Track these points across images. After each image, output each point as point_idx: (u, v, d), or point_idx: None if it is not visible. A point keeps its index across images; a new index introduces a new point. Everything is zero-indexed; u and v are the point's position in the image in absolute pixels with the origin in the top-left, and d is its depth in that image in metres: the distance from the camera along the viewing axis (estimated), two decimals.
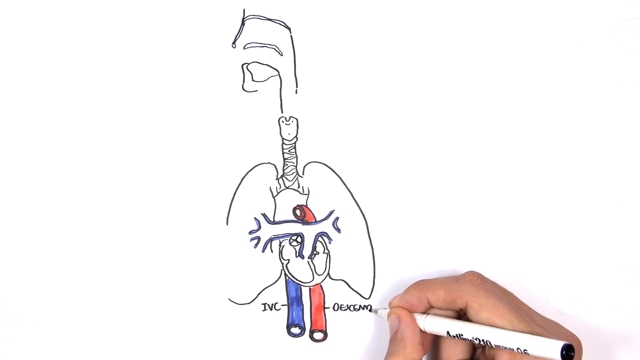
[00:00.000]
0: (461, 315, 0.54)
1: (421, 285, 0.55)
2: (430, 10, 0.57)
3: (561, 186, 0.59)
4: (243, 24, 0.57)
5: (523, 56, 0.57)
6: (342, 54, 0.57)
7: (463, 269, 0.58)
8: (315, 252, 0.59)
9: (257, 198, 0.58)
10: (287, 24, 0.57)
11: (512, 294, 0.55)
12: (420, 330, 0.54)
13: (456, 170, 0.58)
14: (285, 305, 0.59)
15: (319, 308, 0.59)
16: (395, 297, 0.56)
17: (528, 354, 0.48)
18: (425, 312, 0.54)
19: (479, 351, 0.54)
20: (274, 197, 0.58)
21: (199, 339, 0.59)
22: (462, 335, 0.51)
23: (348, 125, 0.58)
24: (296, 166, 0.58)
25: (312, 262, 0.59)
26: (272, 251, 0.59)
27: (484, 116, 0.58)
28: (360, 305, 0.59)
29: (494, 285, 0.53)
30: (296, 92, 0.58)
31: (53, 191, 0.58)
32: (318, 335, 0.59)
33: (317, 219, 0.59)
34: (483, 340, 0.50)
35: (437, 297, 0.53)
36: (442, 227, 0.58)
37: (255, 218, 0.58)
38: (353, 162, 0.58)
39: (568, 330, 0.53)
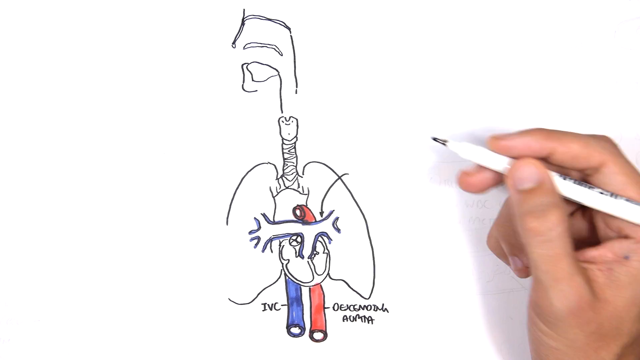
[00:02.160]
0: (578, 181, 0.47)
1: (548, 132, 0.45)
2: (430, 10, 0.57)
3: None
4: (243, 24, 0.57)
5: (523, 56, 0.57)
6: (342, 54, 0.57)
7: (463, 269, 0.58)
8: (315, 252, 0.59)
9: (257, 198, 0.58)
10: (287, 24, 0.57)
11: None
12: None
13: (456, 170, 0.58)
14: (285, 305, 0.59)
15: (319, 308, 0.59)
16: (505, 134, 0.46)
17: None
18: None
19: (583, 224, 0.48)
20: (274, 197, 0.59)
21: (199, 339, 0.59)
22: (588, 203, 0.45)
23: (348, 125, 0.58)
24: (296, 166, 0.58)
25: (312, 262, 0.59)
26: (272, 251, 0.59)
27: (484, 116, 0.58)
28: (360, 305, 0.59)
29: None
30: (296, 92, 0.58)
31: (53, 191, 0.58)
32: (318, 335, 0.59)
33: (317, 219, 0.59)
34: (615, 213, 0.45)
35: (569, 149, 0.45)
36: (442, 227, 0.58)
37: (255, 218, 0.59)
38: (353, 162, 0.58)
39: None
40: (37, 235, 0.58)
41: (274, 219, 0.59)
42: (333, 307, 0.59)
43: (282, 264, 0.59)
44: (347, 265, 0.59)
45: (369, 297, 0.59)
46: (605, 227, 0.47)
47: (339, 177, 0.58)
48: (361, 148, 0.58)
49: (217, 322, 0.59)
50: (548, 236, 0.44)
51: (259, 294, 0.59)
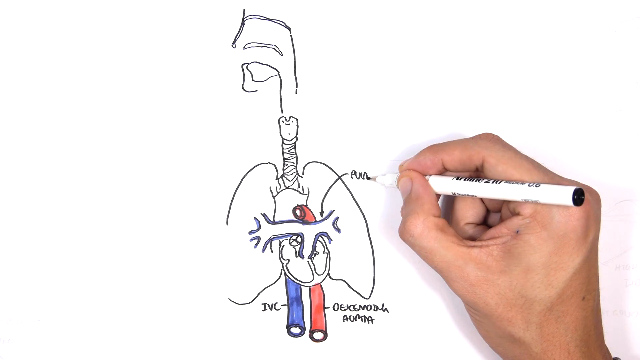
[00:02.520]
0: (473, 177, 0.53)
1: (435, 147, 0.53)
2: (430, 10, 0.57)
3: None
4: (243, 24, 0.57)
5: (523, 56, 0.57)
6: (342, 54, 0.57)
7: None
8: (315, 252, 0.59)
9: (257, 198, 0.58)
10: (287, 24, 0.57)
11: None
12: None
13: None
14: (285, 305, 0.59)
15: (319, 308, 0.59)
16: (406, 161, 0.54)
17: (540, 203, 0.48)
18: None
19: (503, 210, 0.53)
20: (274, 197, 0.58)
21: (199, 339, 0.59)
22: (469, 194, 0.51)
23: (348, 125, 0.58)
24: (296, 166, 0.58)
25: (312, 262, 0.59)
26: (272, 251, 0.59)
27: (484, 116, 0.57)
28: (360, 305, 0.59)
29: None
30: (296, 92, 0.57)
31: (53, 191, 0.58)
32: (318, 335, 0.59)
33: (317, 219, 0.59)
34: (493, 197, 0.50)
35: (452, 156, 0.52)
36: None
37: (255, 218, 0.59)
38: (353, 162, 0.58)
39: (585, 185, 0.52)
40: (37, 235, 0.58)
41: (274, 219, 0.59)
42: (333, 307, 0.59)
43: (282, 264, 0.59)
44: (347, 265, 0.59)
45: (369, 297, 0.59)
46: (506, 211, 0.52)
47: (339, 177, 0.58)
48: (361, 148, 0.58)
49: (217, 322, 0.59)
50: (416, 233, 0.51)
51: (259, 294, 0.59)
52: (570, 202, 0.46)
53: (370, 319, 0.59)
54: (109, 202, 0.58)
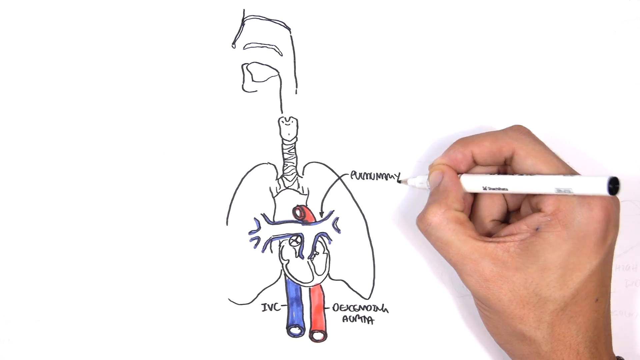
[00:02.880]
0: (501, 173, 0.53)
1: (465, 140, 0.53)
2: (430, 10, 0.57)
3: None
4: (243, 24, 0.57)
5: (523, 56, 0.57)
6: (342, 54, 0.57)
7: None
8: (315, 252, 0.59)
9: (257, 198, 0.58)
10: (287, 24, 0.57)
11: None
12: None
13: None
14: (285, 305, 0.59)
15: (319, 308, 0.59)
16: (437, 159, 0.54)
17: (573, 193, 0.47)
18: (467, 172, 0.54)
19: (522, 208, 0.53)
20: (273, 197, 0.58)
21: (199, 339, 0.59)
22: (501, 188, 0.51)
23: (348, 125, 0.58)
24: (296, 166, 0.58)
25: (312, 262, 0.59)
26: (272, 251, 0.59)
27: (484, 116, 0.57)
28: (360, 306, 0.59)
29: None
30: (296, 92, 0.57)
31: (53, 191, 0.58)
32: (318, 336, 0.59)
33: (317, 219, 0.59)
34: (525, 191, 0.50)
35: (483, 148, 0.52)
36: None
37: (255, 218, 0.59)
38: (353, 162, 0.58)
39: None
40: (37, 235, 0.58)
41: (274, 219, 0.59)
42: (333, 308, 0.59)
43: (282, 264, 0.59)
44: (347, 265, 0.59)
45: (369, 297, 0.59)
46: (527, 208, 0.52)
47: (339, 177, 0.58)
48: (361, 148, 0.58)
49: (217, 322, 0.59)
50: (435, 222, 0.51)
51: (259, 294, 0.59)
52: (605, 191, 0.46)
53: (370, 319, 0.59)
54: (109, 202, 0.58)
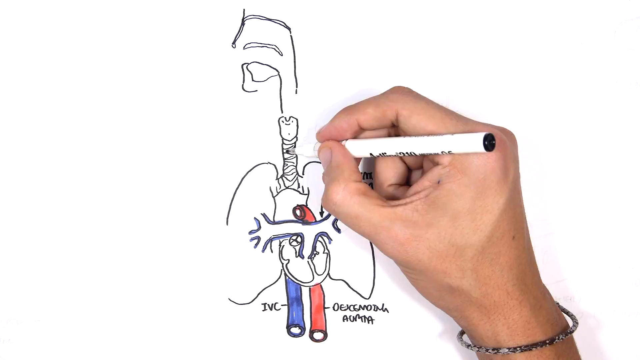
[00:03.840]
0: (392, 135, 0.53)
1: (348, 109, 0.52)
2: (430, 10, 0.57)
3: (561, 186, 0.59)
4: (243, 24, 0.57)
5: (523, 56, 0.57)
6: (342, 54, 0.57)
7: None
8: (315, 252, 0.59)
9: (257, 198, 0.58)
10: (287, 24, 0.57)
11: None
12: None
13: None
14: (285, 305, 0.59)
15: (319, 308, 0.59)
16: (322, 127, 0.54)
17: (453, 153, 0.48)
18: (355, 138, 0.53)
19: (424, 164, 0.53)
20: (274, 197, 0.58)
21: (199, 339, 0.59)
22: (385, 153, 0.50)
23: None
24: (296, 166, 0.58)
25: (312, 262, 0.59)
26: (272, 251, 0.59)
27: (484, 116, 0.57)
28: (360, 305, 0.59)
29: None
30: (296, 92, 0.58)
31: (53, 191, 0.58)
32: (318, 335, 0.59)
33: (317, 219, 0.59)
34: (406, 152, 0.49)
35: (367, 115, 0.51)
36: None
37: (255, 218, 0.59)
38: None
39: (500, 126, 0.51)
40: (37, 235, 0.58)
41: (274, 219, 0.59)
42: (333, 307, 0.59)
43: (282, 264, 0.59)
44: (347, 265, 0.59)
45: (369, 297, 0.59)
46: (428, 164, 0.52)
47: None
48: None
49: (217, 322, 0.59)
50: (339, 200, 0.50)
51: (259, 294, 0.59)
52: (481, 149, 0.45)
53: (370, 319, 0.59)
54: (109, 202, 0.58)
